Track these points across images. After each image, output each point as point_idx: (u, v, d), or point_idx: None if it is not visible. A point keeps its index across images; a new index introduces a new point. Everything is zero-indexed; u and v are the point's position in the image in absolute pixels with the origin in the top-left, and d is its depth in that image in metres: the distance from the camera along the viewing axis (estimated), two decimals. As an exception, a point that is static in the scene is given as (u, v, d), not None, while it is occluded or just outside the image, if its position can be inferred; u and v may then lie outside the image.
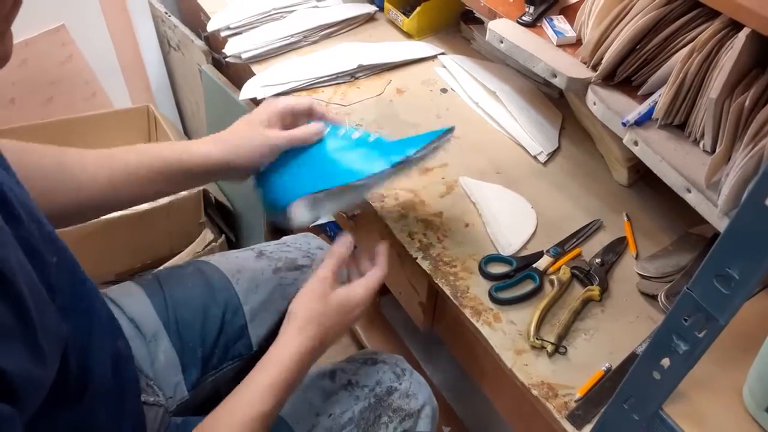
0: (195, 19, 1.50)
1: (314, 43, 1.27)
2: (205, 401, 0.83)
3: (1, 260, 0.41)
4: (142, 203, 0.77)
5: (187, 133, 1.86)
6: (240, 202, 1.59)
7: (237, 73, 1.35)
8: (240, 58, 1.21)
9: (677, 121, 0.80)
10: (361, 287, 0.73)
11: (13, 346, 0.41)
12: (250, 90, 1.14)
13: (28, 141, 1.56)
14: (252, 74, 1.19)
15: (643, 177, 0.98)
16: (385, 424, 0.82)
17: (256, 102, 1.29)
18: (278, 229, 1.72)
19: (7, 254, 0.42)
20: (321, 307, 0.69)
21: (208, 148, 0.75)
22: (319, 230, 1.36)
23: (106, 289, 0.90)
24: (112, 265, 1.50)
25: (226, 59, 1.23)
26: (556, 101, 1.13)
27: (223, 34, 1.27)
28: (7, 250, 0.43)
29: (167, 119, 1.70)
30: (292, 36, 1.24)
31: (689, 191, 0.74)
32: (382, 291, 1.50)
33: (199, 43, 1.47)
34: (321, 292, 0.70)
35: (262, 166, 0.78)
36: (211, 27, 1.28)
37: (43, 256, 0.49)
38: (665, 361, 0.52)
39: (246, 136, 0.76)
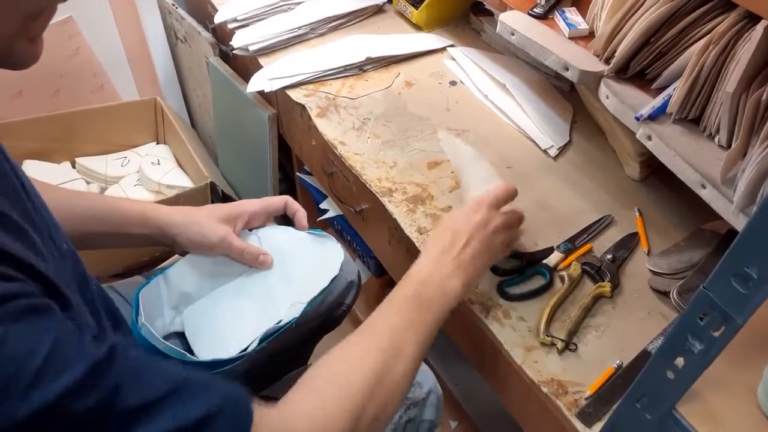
0: (202, 11, 1.49)
1: (322, 35, 1.26)
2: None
3: (52, 277, 0.43)
4: (88, 248, 0.77)
5: (194, 126, 1.85)
6: (246, 194, 1.59)
7: (244, 66, 1.34)
8: (247, 50, 1.20)
9: (692, 116, 0.78)
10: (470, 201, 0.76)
11: None
12: (257, 83, 1.13)
13: (36, 133, 1.56)
14: (259, 66, 1.18)
15: (655, 172, 0.97)
16: None
17: (263, 95, 1.28)
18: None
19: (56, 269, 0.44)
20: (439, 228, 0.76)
21: (164, 213, 0.78)
22: (327, 224, 1.35)
23: (114, 282, 0.89)
24: (121, 257, 1.50)
25: (234, 51, 1.22)
26: (567, 94, 1.12)
27: (230, 26, 1.26)
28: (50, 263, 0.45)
29: (174, 112, 1.70)
30: (299, 28, 1.23)
31: (704, 187, 0.73)
32: (389, 285, 1.50)
33: (206, 35, 1.46)
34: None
35: (196, 252, 0.80)
36: (218, 19, 1.28)
37: (56, 242, 0.50)
38: (679, 361, 0.51)
39: (201, 222, 0.78)
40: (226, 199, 1.57)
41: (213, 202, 1.50)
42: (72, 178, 1.56)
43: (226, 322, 0.76)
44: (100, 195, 0.79)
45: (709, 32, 0.75)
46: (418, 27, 1.28)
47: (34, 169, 1.53)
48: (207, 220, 0.78)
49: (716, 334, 0.47)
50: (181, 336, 0.78)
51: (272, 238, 0.84)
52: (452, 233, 0.72)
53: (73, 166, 1.62)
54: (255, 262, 0.80)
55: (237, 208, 0.82)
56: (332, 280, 0.79)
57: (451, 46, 1.23)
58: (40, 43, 0.43)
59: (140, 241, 0.78)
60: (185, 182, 1.59)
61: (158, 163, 1.62)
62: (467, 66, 1.17)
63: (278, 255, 0.82)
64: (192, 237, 0.77)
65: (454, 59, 1.20)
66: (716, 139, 0.76)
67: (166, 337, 0.75)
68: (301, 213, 0.85)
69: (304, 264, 0.82)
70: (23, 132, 1.51)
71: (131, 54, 1.67)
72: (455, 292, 0.68)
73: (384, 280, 1.48)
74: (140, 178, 1.61)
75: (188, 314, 0.78)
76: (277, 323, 0.75)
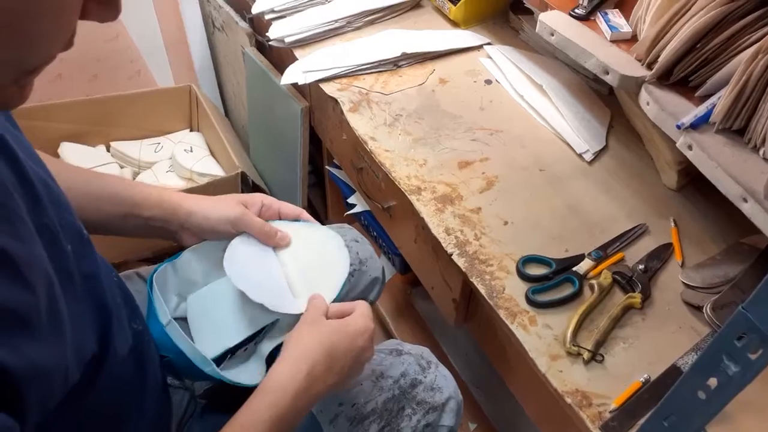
0: (240, 1, 1.49)
1: (358, 29, 1.25)
2: (232, 386, 0.83)
3: (18, 256, 0.41)
4: (101, 232, 0.75)
5: (228, 114, 1.87)
6: (276, 185, 1.59)
7: (280, 57, 1.34)
8: (283, 41, 1.20)
9: (737, 126, 0.75)
10: (359, 316, 0.71)
11: (21, 341, 0.40)
12: (291, 75, 1.13)
13: (73, 116, 1.59)
14: (294, 59, 1.17)
15: (693, 181, 0.94)
16: (409, 416, 0.81)
17: (297, 87, 1.28)
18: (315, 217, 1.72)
19: (25, 249, 0.42)
20: (317, 333, 0.67)
21: (180, 194, 0.77)
22: (354, 218, 1.35)
23: (140, 267, 0.90)
24: (150, 241, 1.52)
25: (270, 43, 1.22)
26: (605, 98, 1.09)
27: (267, 16, 1.26)
28: (26, 244, 0.43)
29: (208, 100, 1.71)
30: (336, 21, 1.22)
31: (746, 201, 0.70)
32: (413, 283, 1.49)
33: (243, 24, 1.47)
34: (313, 319, 0.69)
35: (216, 236, 0.78)
36: (255, 9, 1.28)
37: (61, 243, 0.49)
38: (712, 381, 0.49)
39: (217, 202, 0.77)
40: (255, 189, 1.58)
41: (243, 191, 1.51)
42: (106, 162, 1.59)
43: (227, 312, 0.75)
44: (120, 177, 0.76)
45: (758, 40, 0.72)
46: (455, 23, 1.26)
47: (70, 151, 1.56)
48: (224, 201, 0.78)
49: (753, 356, 0.45)
50: (183, 321, 0.78)
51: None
52: (329, 353, 0.66)
53: (108, 150, 1.65)
54: (272, 239, 0.78)
55: (253, 196, 0.81)
56: (343, 285, 0.78)
57: (488, 44, 1.22)
58: (29, 88, 0.41)
59: (152, 225, 0.76)
60: (216, 171, 1.60)
61: (191, 151, 1.63)
62: (504, 65, 1.15)
63: (288, 252, 0.80)
64: (210, 215, 0.76)
65: (490, 58, 1.18)
66: (761, 152, 0.74)
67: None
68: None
69: (311, 262, 0.80)
70: (61, 114, 1.54)
71: (169, 41, 1.69)
72: (299, 422, 0.64)
73: (408, 278, 1.48)
74: (172, 164, 1.63)
75: (192, 301, 0.77)
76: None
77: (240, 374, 0.72)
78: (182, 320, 0.76)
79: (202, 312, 0.76)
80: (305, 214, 0.84)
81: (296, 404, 0.62)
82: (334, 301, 0.75)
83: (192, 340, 0.72)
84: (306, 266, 0.79)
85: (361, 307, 0.72)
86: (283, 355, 0.65)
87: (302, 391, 0.63)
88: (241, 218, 0.76)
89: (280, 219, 0.83)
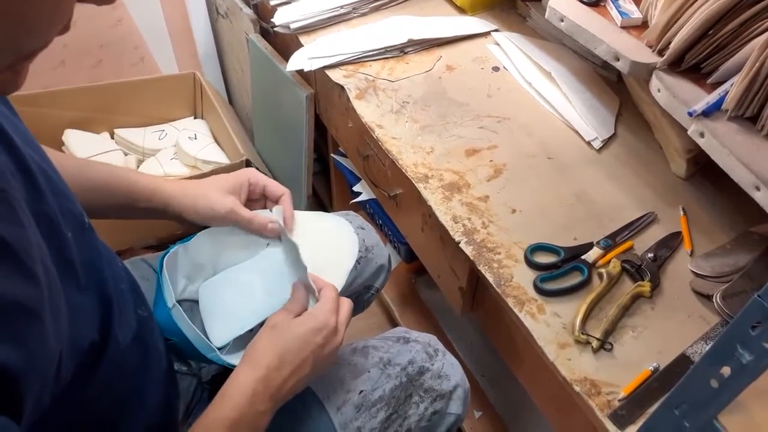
0: (244, -13, 1.48)
1: (364, 15, 1.24)
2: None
3: (19, 242, 0.40)
4: (101, 218, 0.77)
5: (232, 102, 1.86)
6: (281, 173, 1.59)
7: (284, 44, 1.33)
8: (288, 28, 1.19)
9: (749, 114, 0.75)
10: (319, 312, 0.69)
11: (25, 335, 0.40)
12: (297, 61, 1.12)
13: (77, 103, 1.58)
14: (300, 45, 1.16)
15: (702, 170, 0.93)
16: (416, 403, 0.81)
17: (302, 74, 1.27)
18: (319, 206, 1.72)
19: (24, 237, 0.42)
20: (272, 336, 0.67)
21: (171, 188, 0.78)
22: (359, 207, 1.35)
23: (146, 255, 0.90)
24: (155, 229, 1.52)
25: (274, 29, 1.21)
26: (613, 85, 1.08)
27: (272, 2, 1.25)
28: (25, 232, 0.42)
29: (212, 87, 1.70)
30: (341, 7, 1.21)
31: (758, 189, 0.70)
32: (419, 271, 1.49)
33: (248, 11, 1.46)
34: (274, 322, 0.68)
35: (214, 225, 0.80)
36: (260, -5, 1.27)
37: (62, 230, 0.48)
38: (725, 370, 0.49)
39: (208, 195, 0.78)
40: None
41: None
42: (110, 149, 1.59)
43: (238, 300, 0.76)
44: (110, 166, 0.77)
45: (773, 26, 0.72)
46: (462, 10, 1.25)
47: (75, 138, 1.55)
48: (214, 192, 0.78)
49: (768, 345, 0.44)
50: (188, 302, 0.78)
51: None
52: (280, 356, 0.65)
53: (112, 137, 1.64)
54: (264, 230, 0.78)
55: (240, 177, 0.82)
56: (351, 271, 0.78)
57: (496, 30, 1.20)
58: (24, 73, 0.40)
59: (149, 214, 0.78)
60: (221, 158, 1.59)
61: (195, 138, 1.63)
62: (512, 52, 1.14)
63: (298, 238, 0.81)
64: (200, 210, 0.77)
65: (498, 44, 1.17)
66: (774, 139, 0.73)
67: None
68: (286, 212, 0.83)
69: (321, 251, 0.80)
70: (65, 101, 1.53)
71: (172, 27, 1.68)
72: (265, 423, 0.64)
73: (414, 266, 1.47)
74: (177, 152, 1.62)
75: (204, 288, 0.77)
76: None
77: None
78: (190, 302, 0.77)
79: (214, 300, 0.76)
80: (288, 194, 0.83)
81: (255, 407, 0.62)
82: (343, 285, 0.75)
83: (203, 326, 0.72)
84: (314, 253, 0.79)
85: (325, 303, 0.70)
86: (241, 360, 0.66)
87: (259, 393, 0.63)
88: (230, 215, 0.77)
89: (265, 197, 0.83)
